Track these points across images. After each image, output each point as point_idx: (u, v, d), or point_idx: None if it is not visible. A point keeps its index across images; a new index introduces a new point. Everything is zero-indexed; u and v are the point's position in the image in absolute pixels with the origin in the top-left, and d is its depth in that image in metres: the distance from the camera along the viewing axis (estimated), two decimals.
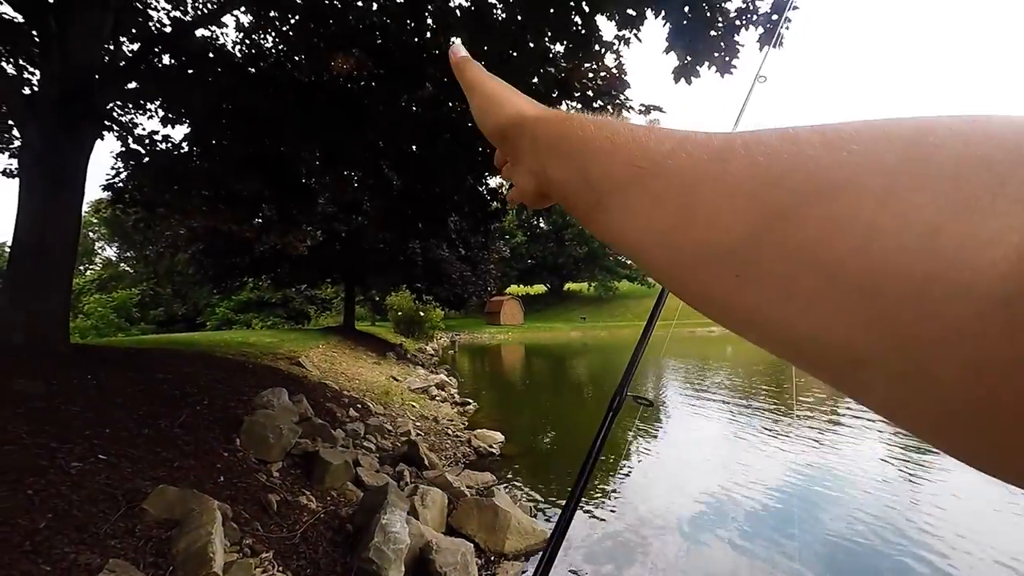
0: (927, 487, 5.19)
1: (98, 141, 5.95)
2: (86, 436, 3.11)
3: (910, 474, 5.58)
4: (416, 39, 5.67)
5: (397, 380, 11.21)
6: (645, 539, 4.22)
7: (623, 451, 6.36)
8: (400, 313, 23.93)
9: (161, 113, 6.44)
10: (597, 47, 5.00)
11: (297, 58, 6.57)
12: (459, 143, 6.83)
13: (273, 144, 6.70)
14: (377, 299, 28.86)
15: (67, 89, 4.66)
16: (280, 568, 2.71)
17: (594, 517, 4.67)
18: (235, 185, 7.04)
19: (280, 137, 6.52)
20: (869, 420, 7.80)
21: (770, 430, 7.59)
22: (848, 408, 8.73)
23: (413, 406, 8.63)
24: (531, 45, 4.88)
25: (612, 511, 4.80)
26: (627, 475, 5.94)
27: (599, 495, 5.17)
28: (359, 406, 7.14)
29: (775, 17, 3.74)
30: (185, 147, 6.86)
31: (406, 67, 5.74)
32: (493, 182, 8.16)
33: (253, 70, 6.32)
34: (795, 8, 3.80)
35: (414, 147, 7.38)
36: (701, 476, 5.70)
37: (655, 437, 7.66)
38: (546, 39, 4.92)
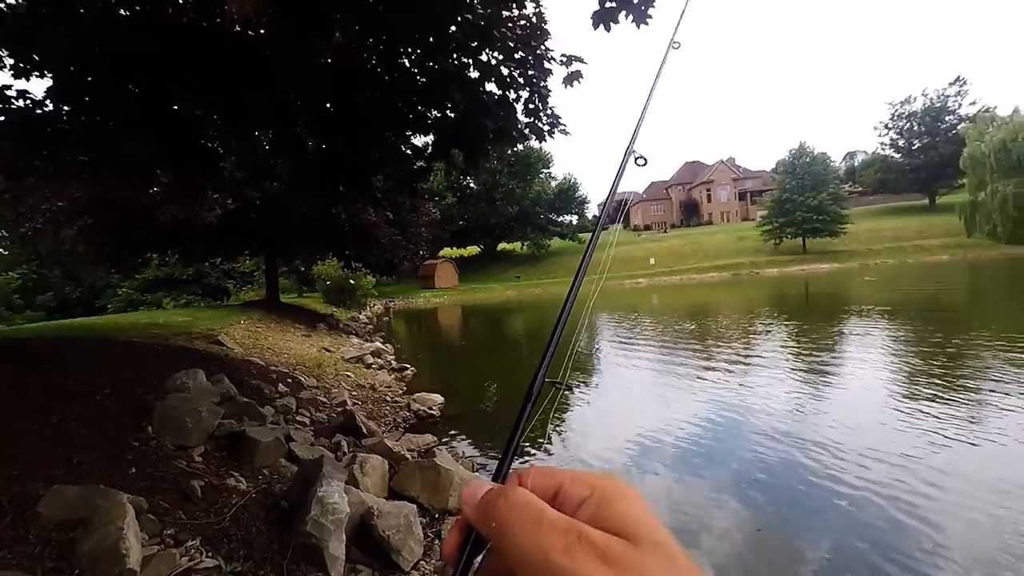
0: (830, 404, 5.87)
1: None
2: None
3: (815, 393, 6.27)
4: None
5: (329, 351, 10.84)
6: None
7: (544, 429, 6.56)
8: (328, 283, 22.91)
9: (10, 62, 5.44)
10: None
11: (180, 0, 5.74)
12: (378, 98, 6.40)
13: (162, 100, 5.91)
14: (303, 269, 27.37)
15: None
16: (209, 554, 2.57)
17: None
18: (121, 147, 6.19)
19: (169, 93, 5.75)
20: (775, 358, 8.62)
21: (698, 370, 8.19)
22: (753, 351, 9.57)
23: (348, 376, 8.41)
24: None
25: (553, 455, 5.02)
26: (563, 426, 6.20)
27: (534, 447, 5.37)
28: (289, 380, 6.84)
29: None
30: (50, 104, 5.90)
31: (309, 12, 5.19)
32: (417, 140, 7.80)
33: (126, 12, 5.46)
34: None
35: (328, 104, 6.83)
36: (635, 417, 6.07)
37: (590, 385, 8.01)
38: None
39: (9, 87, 5.55)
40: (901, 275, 25.23)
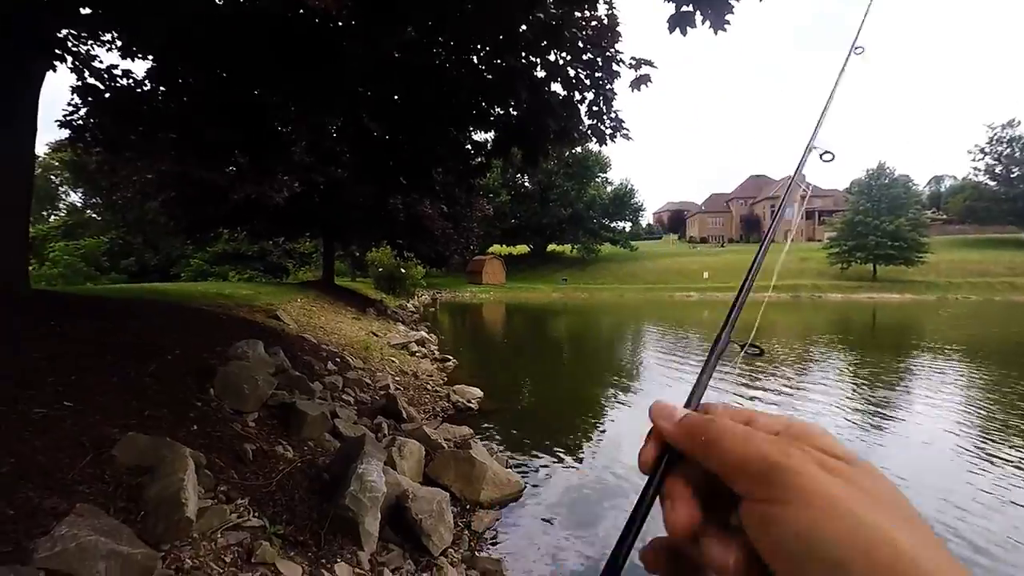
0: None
1: (51, 73, 5.54)
2: (50, 383, 3.02)
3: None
4: None
5: (377, 336, 11.19)
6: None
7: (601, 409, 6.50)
8: (381, 269, 23.66)
9: (119, 44, 5.97)
10: None
11: None
12: (443, 92, 6.54)
13: (244, 87, 6.31)
14: (357, 255, 28.40)
15: (6, 13, 4.25)
16: (256, 514, 2.73)
17: (569, 468, 4.82)
18: (204, 129, 6.66)
19: (252, 79, 6.13)
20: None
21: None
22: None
23: (393, 361, 8.65)
24: None
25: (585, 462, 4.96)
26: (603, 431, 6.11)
27: (569, 449, 5.32)
28: (338, 360, 7.12)
29: None
30: (148, 85, 6.43)
31: (387, 7, 5.38)
32: (478, 136, 7.91)
33: (220, 1, 5.87)
34: None
35: (395, 96, 7.05)
36: None
37: (632, 392, 7.86)
38: None
39: (115, 66, 6.08)
40: (985, 312, 23.10)
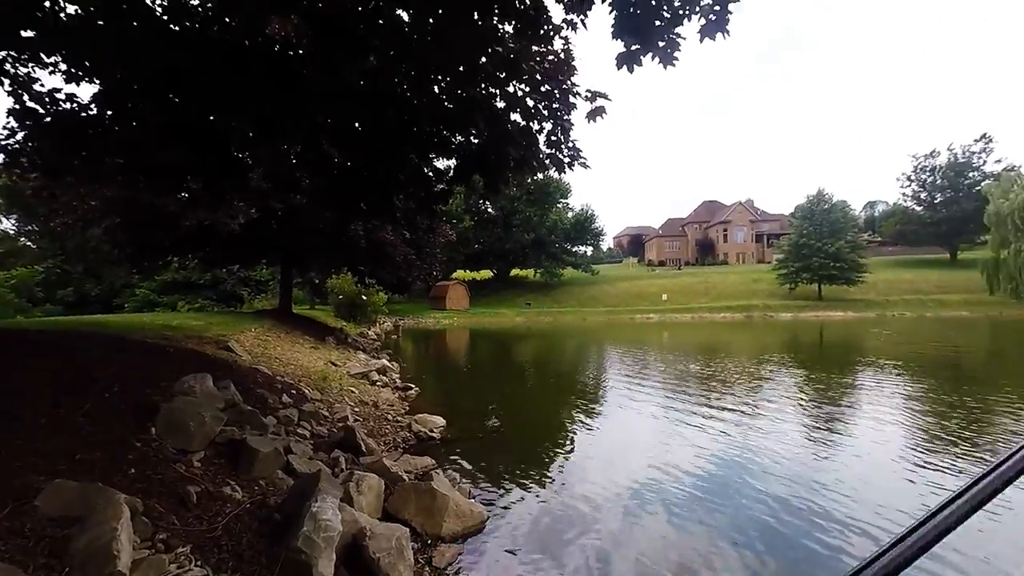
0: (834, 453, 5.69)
1: None
2: None
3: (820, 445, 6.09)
4: (360, 8, 5.36)
5: (336, 365, 10.85)
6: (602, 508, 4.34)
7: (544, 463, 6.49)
8: (341, 296, 23.11)
9: (64, 67, 5.74)
10: (545, 29, 4.94)
11: (227, 19, 6.04)
12: (404, 120, 6.59)
13: (200, 112, 6.16)
14: (317, 282, 27.67)
15: None
16: (198, 563, 2.55)
17: (535, 496, 4.75)
18: (155, 153, 6.43)
19: (208, 105, 6.00)
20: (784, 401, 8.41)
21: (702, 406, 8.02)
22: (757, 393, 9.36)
23: (352, 391, 8.39)
24: (478, 21, 4.75)
25: (552, 488, 4.91)
26: (568, 454, 6.08)
27: (534, 476, 5.27)
28: (293, 392, 6.85)
29: (717, 8, 3.84)
30: (95, 109, 6.18)
31: (350, 37, 5.42)
32: (440, 163, 7.97)
33: (176, 27, 5.76)
34: (736, 0, 3.91)
35: (356, 123, 7.05)
36: (642, 452, 5.94)
37: (597, 415, 7.88)
38: (494, 17, 4.80)
39: (59, 90, 5.83)
40: (920, 329, 24.69)
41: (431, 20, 4.89)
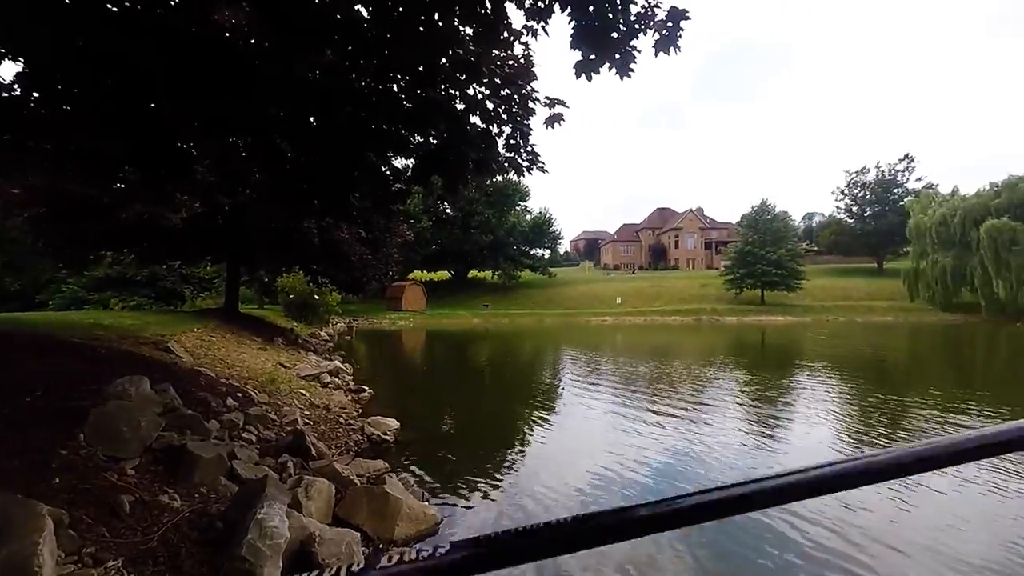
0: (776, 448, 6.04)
1: None
2: None
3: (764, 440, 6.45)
4: (316, 0, 5.22)
5: (285, 367, 10.47)
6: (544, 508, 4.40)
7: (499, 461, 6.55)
8: (292, 296, 22.30)
9: None
10: (506, 34, 5.00)
11: (172, 2, 5.73)
12: (363, 117, 6.46)
13: (140, 98, 5.80)
14: (266, 280, 26.55)
15: None
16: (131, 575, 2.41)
17: (487, 497, 4.77)
18: (87, 140, 6.01)
19: (149, 91, 5.65)
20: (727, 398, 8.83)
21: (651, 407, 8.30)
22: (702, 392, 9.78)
23: (302, 394, 8.13)
24: (438, 22, 4.74)
25: (502, 490, 4.95)
26: (522, 456, 6.14)
27: (488, 478, 5.30)
28: (239, 395, 6.56)
29: (670, 24, 4.01)
30: (18, 90, 5.70)
31: (304, 30, 5.27)
32: (398, 162, 7.86)
33: (115, 8, 5.40)
34: (687, 19, 4.10)
35: (311, 118, 6.85)
36: (593, 452, 6.08)
37: (549, 419, 8.00)
38: (455, 19, 4.81)
39: None
40: (851, 332, 26.52)
41: (391, 18, 4.83)
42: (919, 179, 53.52)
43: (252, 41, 5.75)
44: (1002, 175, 38.88)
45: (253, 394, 6.91)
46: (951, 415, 7.71)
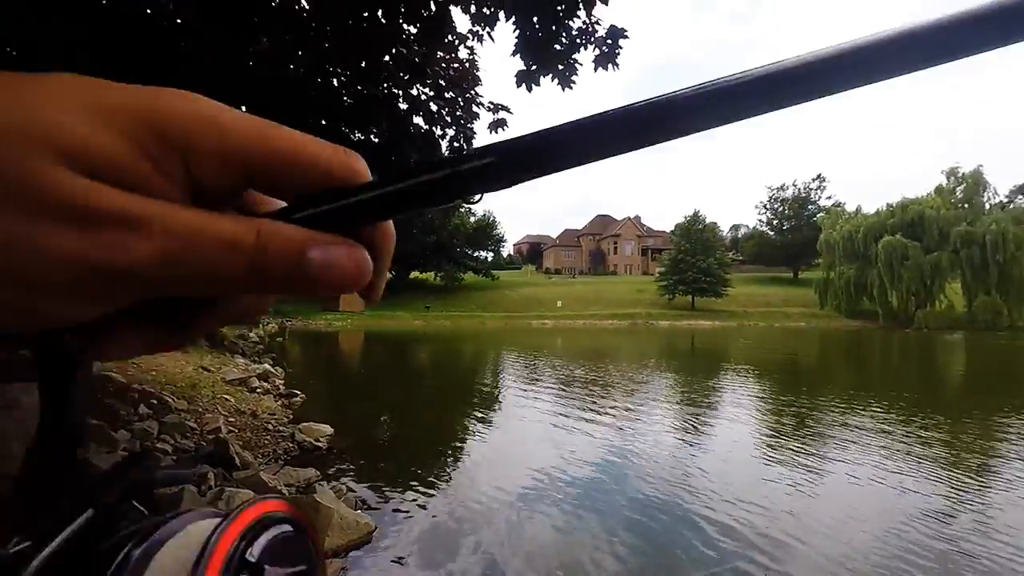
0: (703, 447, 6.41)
1: None
2: None
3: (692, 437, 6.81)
4: None
5: (208, 371, 9.80)
6: (483, 514, 4.41)
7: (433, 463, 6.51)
8: None
9: None
10: (451, 37, 5.00)
11: None
12: (303, 110, 6.21)
13: (33, 67, 5.23)
14: None
15: None
16: None
17: (423, 507, 4.72)
18: None
19: (48, 61, 5.12)
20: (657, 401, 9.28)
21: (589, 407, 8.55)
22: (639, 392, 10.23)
23: (227, 400, 7.64)
24: (382, 20, 4.65)
25: (442, 493, 4.91)
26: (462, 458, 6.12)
27: (425, 484, 5.24)
28: (153, 402, 6.07)
29: (609, 42, 4.18)
30: None
31: (235, 14, 4.98)
32: None
33: None
34: (626, 37, 4.29)
35: (243, 106, 6.49)
36: (531, 456, 6.16)
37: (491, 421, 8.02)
38: (399, 17, 4.74)
39: None
40: (770, 337, 28.67)
41: (332, 10, 4.69)
42: (829, 197, 59.12)
43: (178, 21, 5.36)
44: (896, 196, 43.69)
45: (170, 401, 6.42)
46: (849, 416, 8.54)
